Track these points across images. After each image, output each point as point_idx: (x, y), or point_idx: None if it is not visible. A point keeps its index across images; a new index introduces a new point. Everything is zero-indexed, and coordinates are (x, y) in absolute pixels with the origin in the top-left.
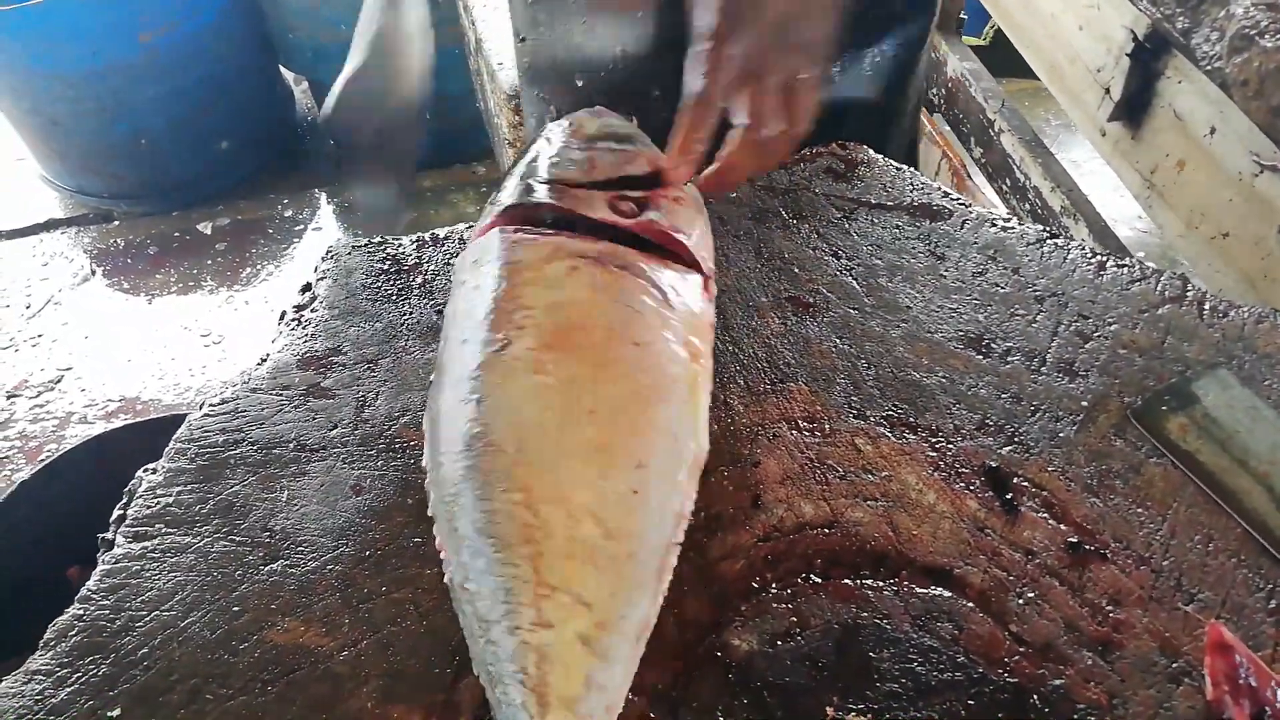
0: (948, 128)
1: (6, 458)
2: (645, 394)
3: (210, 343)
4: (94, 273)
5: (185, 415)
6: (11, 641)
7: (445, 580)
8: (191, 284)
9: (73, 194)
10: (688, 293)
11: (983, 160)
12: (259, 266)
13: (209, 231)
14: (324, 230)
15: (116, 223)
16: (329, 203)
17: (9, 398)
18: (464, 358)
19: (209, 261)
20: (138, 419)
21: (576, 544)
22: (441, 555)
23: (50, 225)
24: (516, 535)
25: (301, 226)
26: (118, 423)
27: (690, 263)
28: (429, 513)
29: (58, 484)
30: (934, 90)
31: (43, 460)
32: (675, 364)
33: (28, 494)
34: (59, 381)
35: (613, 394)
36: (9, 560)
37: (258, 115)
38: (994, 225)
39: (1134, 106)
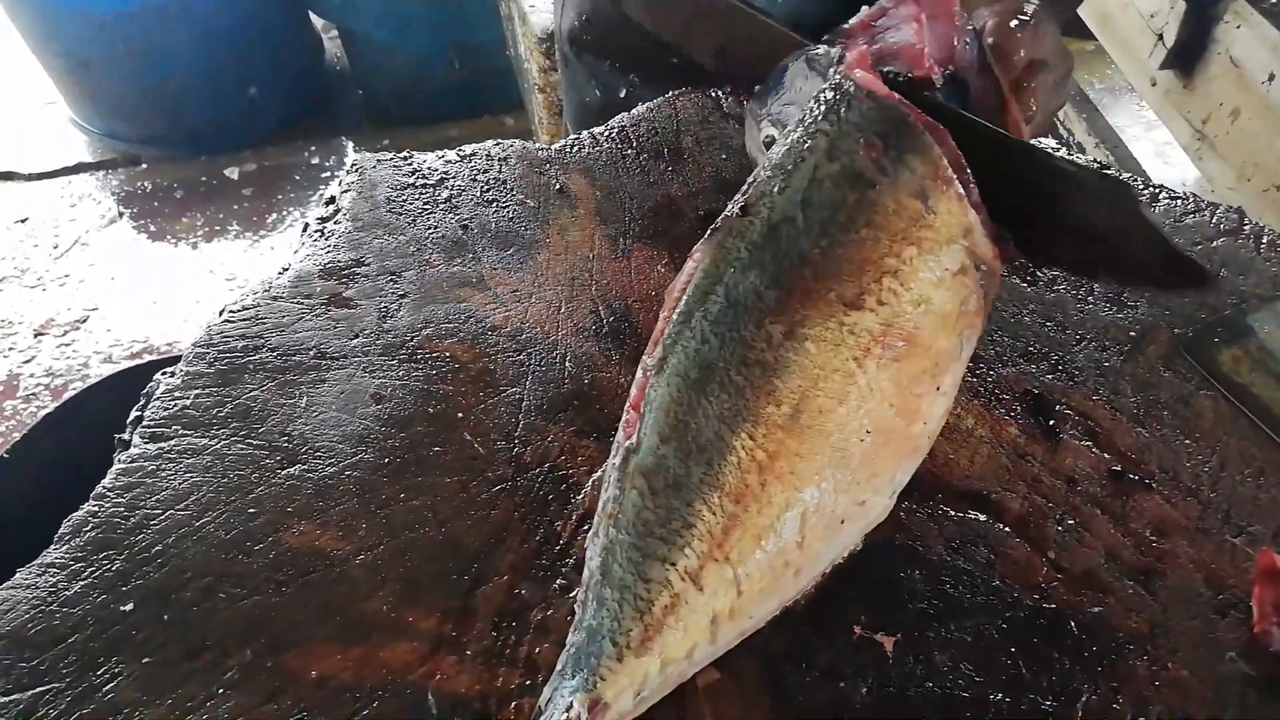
0: None
1: (33, 394)
2: (915, 440)
3: (235, 287)
4: (121, 215)
5: None
6: None
7: (617, 441)
8: (217, 229)
9: (102, 138)
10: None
11: None
12: (284, 213)
13: (235, 177)
14: None
15: (144, 166)
16: (356, 151)
17: (36, 336)
18: (798, 239)
19: (235, 207)
20: (161, 356)
21: (772, 535)
22: (626, 419)
23: (79, 168)
24: (733, 488)
25: (328, 174)
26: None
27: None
28: (646, 356)
29: (80, 418)
30: None
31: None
32: (934, 422)
33: (50, 427)
34: (85, 321)
35: (898, 422)
36: (32, 492)
37: (287, 63)
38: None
39: (1188, 53)
